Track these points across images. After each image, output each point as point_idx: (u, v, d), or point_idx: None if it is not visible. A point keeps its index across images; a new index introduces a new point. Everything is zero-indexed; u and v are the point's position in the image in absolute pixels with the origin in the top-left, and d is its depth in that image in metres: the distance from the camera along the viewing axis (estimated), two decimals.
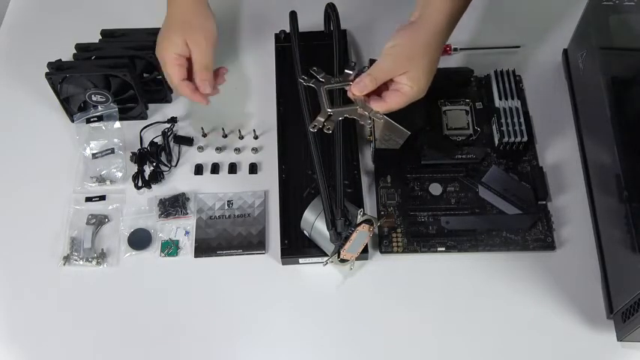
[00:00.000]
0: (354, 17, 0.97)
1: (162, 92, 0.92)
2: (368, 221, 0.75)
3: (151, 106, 0.92)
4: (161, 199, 0.84)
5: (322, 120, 0.69)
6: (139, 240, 0.82)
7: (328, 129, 0.69)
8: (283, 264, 0.79)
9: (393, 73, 0.68)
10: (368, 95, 0.69)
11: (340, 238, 0.74)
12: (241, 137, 0.88)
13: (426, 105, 0.85)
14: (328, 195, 0.72)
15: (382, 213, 0.82)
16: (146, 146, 0.88)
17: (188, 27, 0.78)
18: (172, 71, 0.78)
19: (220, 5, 1.02)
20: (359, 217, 0.74)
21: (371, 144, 0.85)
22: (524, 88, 0.91)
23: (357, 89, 0.68)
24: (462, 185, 0.84)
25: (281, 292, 0.78)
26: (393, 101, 0.68)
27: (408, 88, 0.67)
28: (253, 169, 0.87)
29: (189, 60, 0.79)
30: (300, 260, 0.79)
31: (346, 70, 0.72)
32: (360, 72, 0.70)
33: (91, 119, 0.88)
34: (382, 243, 0.80)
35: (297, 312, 0.77)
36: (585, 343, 0.74)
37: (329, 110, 0.69)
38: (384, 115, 0.70)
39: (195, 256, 0.80)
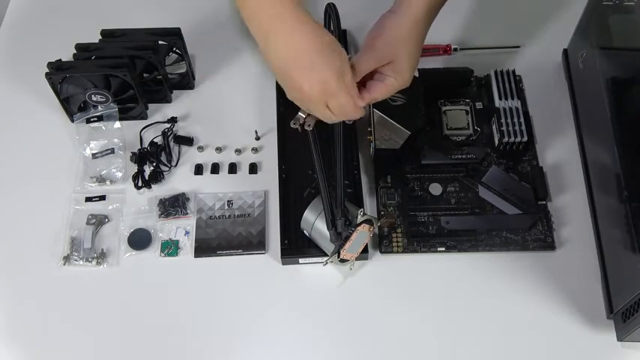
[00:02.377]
0: (354, 17, 0.97)
1: (162, 92, 0.92)
2: (368, 221, 0.75)
3: (151, 106, 0.92)
4: (161, 199, 0.84)
5: (303, 116, 0.67)
6: (139, 240, 0.82)
7: (309, 125, 0.67)
8: (283, 264, 0.79)
9: (375, 65, 0.66)
10: None
11: (340, 238, 0.74)
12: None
13: (425, 105, 0.85)
14: (328, 195, 0.72)
15: (382, 213, 0.82)
16: (146, 146, 0.88)
17: (337, 46, 0.63)
18: (347, 95, 0.63)
19: (220, 5, 1.02)
20: (359, 217, 0.74)
21: (371, 144, 0.85)
22: (524, 88, 0.91)
23: None
24: (462, 185, 0.84)
25: (281, 292, 0.78)
26: (377, 92, 0.67)
27: (391, 79, 0.66)
28: (253, 169, 0.87)
29: None
30: (300, 260, 0.79)
31: None
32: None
33: (91, 119, 0.88)
34: (382, 243, 0.80)
35: (297, 312, 0.77)
36: (585, 343, 0.74)
37: None
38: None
39: (195, 256, 0.80)
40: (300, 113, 0.68)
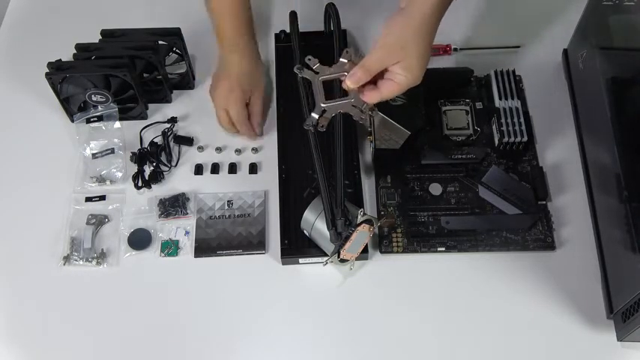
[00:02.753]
0: (354, 17, 0.97)
1: (162, 92, 0.92)
2: (368, 221, 0.75)
3: (151, 106, 0.92)
4: (161, 199, 0.84)
5: (316, 117, 0.68)
6: (139, 240, 0.82)
7: (322, 127, 0.68)
8: (283, 264, 0.79)
9: (385, 63, 0.67)
10: (363, 85, 0.68)
11: (340, 238, 0.74)
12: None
13: (425, 105, 0.85)
14: (328, 195, 0.71)
15: (382, 213, 0.82)
16: (146, 146, 0.88)
17: (250, 79, 0.88)
18: (240, 115, 0.87)
19: None
20: (359, 217, 0.74)
21: (371, 144, 0.85)
22: (524, 88, 0.91)
23: (350, 82, 0.67)
24: (462, 185, 0.84)
25: (281, 292, 0.78)
26: (387, 90, 0.67)
27: (402, 78, 0.67)
28: (253, 169, 0.87)
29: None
30: (300, 260, 0.79)
31: (341, 59, 0.70)
32: (355, 60, 0.68)
33: (91, 119, 0.88)
34: (382, 243, 0.80)
35: (297, 312, 0.77)
36: (585, 343, 0.74)
37: (323, 105, 0.68)
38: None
39: (195, 256, 0.80)
40: (313, 114, 0.68)
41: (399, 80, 0.67)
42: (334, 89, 0.71)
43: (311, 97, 0.69)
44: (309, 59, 0.70)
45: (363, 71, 0.66)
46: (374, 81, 0.68)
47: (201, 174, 0.86)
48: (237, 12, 0.85)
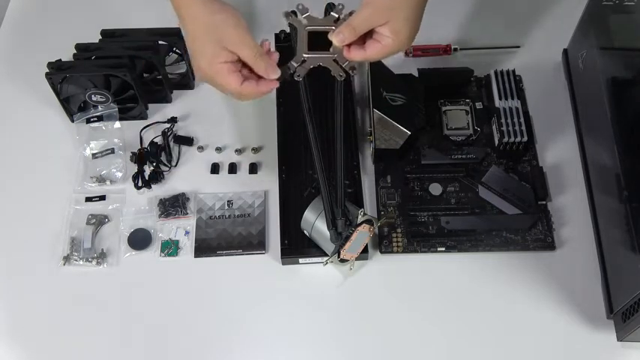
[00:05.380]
0: None
1: (162, 92, 0.92)
2: (368, 221, 0.75)
3: (151, 106, 0.92)
4: (161, 199, 0.84)
5: (295, 65, 0.66)
6: (139, 240, 0.82)
7: (298, 76, 0.66)
8: (283, 264, 0.79)
9: (373, 24, 0.65)
10: (349, 45, 0.66)
11: (340, 238, 0.74)
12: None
13: (425, 105, 0.85)
14: (329, 194, 0.71)
15: (382, 213, 0.82)
16: (146, 146, 0.88)
17: (214, 29, 0.68)
18: (229, 80, 0.68)
19: None
20: (359, 217, 0.74)
21: (371, 144, 0.85)
22: (524, 88, 0.91)
23: (336, 40, 0.65)
24: (462, 185, 0.84)
25: (281, 292, 0.78)
26: (373, 52, 0.66)
27: (389, 40, 0.65)
28: (253, 169, 0.87)
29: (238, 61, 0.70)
30: (300, 260, 0.79)
31: (332, 13, 0.68)
32: (345, 16, 0.67)
33: (91, 119, 0.88)
34: (382, 243, 0.80)
35: (297, 312, 0.77)
36: (585, 343, 0.74)
37: (304, 55, 0.66)
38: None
39: (195, 256, 0.80)
40: (292, 62, 0.66)
41: (385, 42, 0.65)
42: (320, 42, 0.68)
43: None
44: (300, 7, 0.68)
45: (349, 30, 0.65)
46: (362, 40, 0.66)
47: (202, 174, 0.86)
48: None
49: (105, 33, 0.92)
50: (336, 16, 0.68)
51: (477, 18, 1.00)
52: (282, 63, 0.68)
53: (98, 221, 0.83)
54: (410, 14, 0.66)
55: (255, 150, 0.88)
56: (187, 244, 0.81)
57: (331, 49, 0.67)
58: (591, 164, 0.83)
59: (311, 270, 0.79)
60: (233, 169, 0.87)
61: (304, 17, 0.68)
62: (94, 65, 0.86)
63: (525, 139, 0.83)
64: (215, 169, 0.87)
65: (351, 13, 0.67)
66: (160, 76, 0.90)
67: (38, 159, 0.88)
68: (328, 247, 0.75)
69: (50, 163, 0.88)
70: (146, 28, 0.91)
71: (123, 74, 0.84)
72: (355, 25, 0.65)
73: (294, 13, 0.68)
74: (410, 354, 0.74)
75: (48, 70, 0.85)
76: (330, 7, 0.79)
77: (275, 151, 0.86)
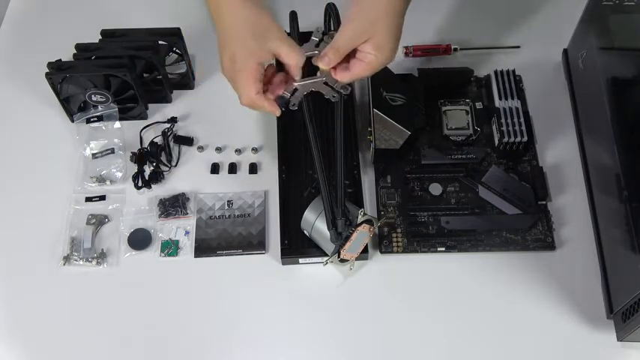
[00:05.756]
0: None
1: (162, 92, 0.92)
2: (368, 221, 0.75)
3: (151, 106, 0.92)
4: (161, 199, 0.84)
5: (288, 95, 0.67)
6: (139, 240, 0.82)
7: (294, 105, 0.67)
8: (283, 264, 0.79)
9: (355, 42, 0.65)
10: (334, 67, 0.67)
11: (340, 238, 0.74)
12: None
13: (425, 105, 0.85)
14: (329, 194, 0.72)
15: (382, 213, 0.82)
16: (146, 146, 0.88)
17: (259, 26, 0.66)
18: (250, 85, 0.66)
19: None
20: (360, 217, 0.74)
21: (371, 144, 0.85)
22: (524, 88, 0.91)
23: (322, 64, 0.66)
24: (462, 185, 0.84)
25: (281, 292, 0.78)
26: (358, 71, 0.66)
27: (372, 57, 0.66)
28: (253, 169, 0.87)
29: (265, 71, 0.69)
30: (300, 260, 0.79)
31: (312, 37, 0.68)
32: (327, 40, 0.67)
33: (91, 119, 0.88)
34: (382, 243, 0.80)
35: (297, 312, 0.77)
36: (585, 343, 0.74)
37: (295, 84, 0.67)
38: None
39: (195, 256, 0.80)
40: (284, 92, 0.67)
41: (369, 60, 0.66)
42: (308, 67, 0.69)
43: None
44: None
45: (333, 52, 0.65)
46: (347, 59, 0.67)
47: (202, 174, 0.86)
48: None
49: (105, 33, 0.92)
50: (317, 39, 0.68)
51: (476, 18, 1.00)
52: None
53: (98, 221, 0.83)
54: (391, 28, 0.66)
55: (255, 150, 0.88)
56: (187, 244, 0.81)
57: (318, 73, 0.67)
58: (591, 164, 0.83)
59: (311, 270, 0.79)
60: (233, 169, 0.87)
61: None
62: (94, 65, 0.86)
63: (525, 139, 0.83)
64: (215, 169, 0.87)
65: (331, 36, 0.67)
66: (160, 76, 0.90)
67: (38, 159, 0.88)
68: (328, 247, 0.75)
69: (50, 163, 0.88)
70: (146, 28, 0.91)
71: (123, 74, 0.84)
72: (339, 47, 0.65)
73: None
74: (410, 354, 0.74)
75: (48, 70, 0.85)
76: (330, 8, 0.79)
77: (275, 151, 0.86)
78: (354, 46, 0.66)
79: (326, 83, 0.67)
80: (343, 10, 0.81)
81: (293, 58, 0.66)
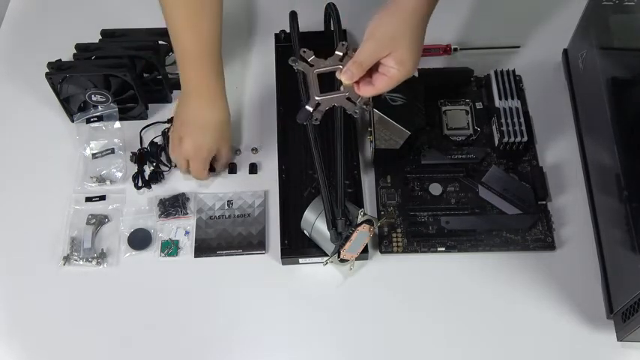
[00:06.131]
0: (354, 17, 0.97)
1: (162, 92, 0.92)
2: (368, 221, 0.75)
3: (151, 106, 0.92)
4: (161, 199, 0.84)
5: (310, 110, 0.67)
6: (139, 240, 0.82)
7: (316, 120, 0.67)
8: (283, 264, 0.79)
9: (377, 56, 0.66)
10: (357, 81, 0.67)
11: (340, 238, 0.74)
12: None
13: (425, 105, 0.85)
14: (329, 194, 0.72)
15: (382, 213, 0.82)
16: (146, 146, 0.88)
17: (220, 134, 0.83)
18: (201, 173, 0.84)
19: None
20: (360, 217, 0.74)
21: (371, 144, 0.85)
22: (524, 88, 0.91)
23: (345, 78, 0.66)
24: (462, 185, 0.84)
25: (281, 292, 0.78)
26: (381, 85, 0.67)
27: (394, 71, 0.66)
28: (253, 169, 0.87)
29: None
30: (300, 260, 0.79)
31: (336, 52, 0.69)
32: (350, 54, 0.67)
33: (91, 119, 0.88)
34: (382, 243, 0.80)
35: (297, 312, 0.77)
36: (585, 343, 0.74)
37: (317, 98, 0.67)
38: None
39: (195, 256, 0.80)
40: (307, 107, 0.67)
41: (391, 74, 0.66)
42: (330, 82, 0.69)
43: (305, 89, 0.69)
44: (304, 51, 0.69)
45: (356, 67, 0.66)
46: (369, 74, 0.67)
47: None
48: (208, 52, 0.79)
49: (105, 33, 0.92)
50: (341, 54, 0.68)
51: (476, 18, 1.00)
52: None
53: (98, 221, 0.83)
54: (412, 42, 0.66)
55: (255, 150, 0.88)
56: (187, 244, 0.81)
57: (341, 88, 0.67)
58: (591, 164, 0.83)
59: (311, 270, 0.79)
60: (233, 169, 0.87)
61: (310, 60, 0.68)
62: (94, 65, 0.86)
63: (525, 139, 0.83)
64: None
65: (354, 50, 0.67)
66: (160, 76, 0.90)
67: (38, 159, 0.88)
68: (328, 247, 0.75)
69: (50, 163, 0.88)
70: (146, 28, 0.91)
71: (123, 74, 0.84)
72: (361, 61, 0.65)
73: (301, 58, 0.68)
74: (410, 354, 0.74)
75: (48, 70, 0.85)
76: (329, 8, 0.79)
77: (275, 151, 0.86)
78: (376, 59, 0.66)
79: (348, 98, 0.67)
80: (343, 10, 0.82)
81: (222, 164, 0.85)
